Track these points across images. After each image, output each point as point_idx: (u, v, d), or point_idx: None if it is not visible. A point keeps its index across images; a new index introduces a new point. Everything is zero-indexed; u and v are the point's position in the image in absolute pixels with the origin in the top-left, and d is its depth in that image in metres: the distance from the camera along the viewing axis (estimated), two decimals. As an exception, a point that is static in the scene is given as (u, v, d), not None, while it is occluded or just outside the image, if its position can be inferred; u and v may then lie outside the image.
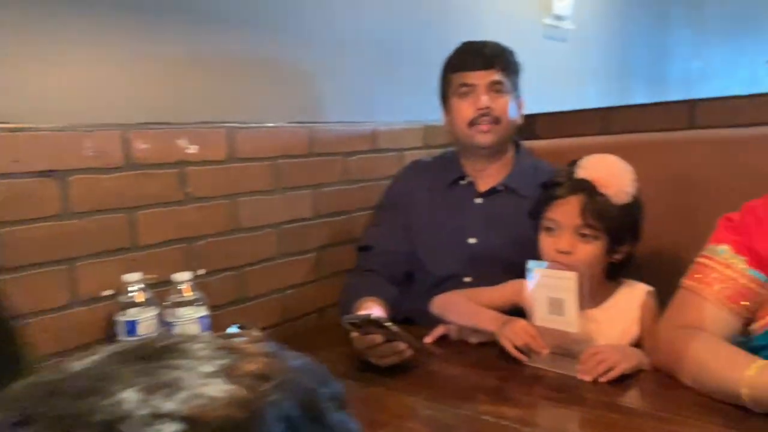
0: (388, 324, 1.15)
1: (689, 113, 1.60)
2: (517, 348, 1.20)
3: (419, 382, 1.17)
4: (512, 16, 2.30)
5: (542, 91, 2.41)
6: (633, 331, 1.23)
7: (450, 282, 1.54)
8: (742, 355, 0.98)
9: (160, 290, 1.21)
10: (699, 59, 3.82)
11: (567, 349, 1.19)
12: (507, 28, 2.11)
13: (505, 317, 1.26)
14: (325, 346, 1.36)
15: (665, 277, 1.22)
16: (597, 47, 2.87)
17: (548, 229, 1.24)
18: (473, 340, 1.36)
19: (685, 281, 1.14)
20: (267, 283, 1.51)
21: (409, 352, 1.20)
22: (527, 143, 1.77)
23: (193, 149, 1.34)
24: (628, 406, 1.03)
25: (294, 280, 1.57)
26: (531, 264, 1.23)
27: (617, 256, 1.23)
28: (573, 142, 1.77)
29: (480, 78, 1.51)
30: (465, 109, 1.52)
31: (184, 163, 1.33)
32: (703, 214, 1.19)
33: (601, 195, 1.18)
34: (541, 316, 1.21)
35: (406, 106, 1.85)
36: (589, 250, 1.19)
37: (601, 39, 2.90)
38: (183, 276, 1.18)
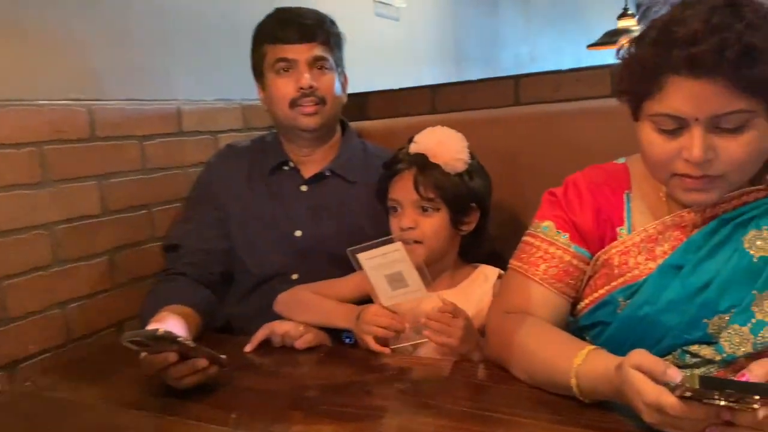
0: (181, 338, 0.97)
1: (514, 89, 1.58)
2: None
3: (228, 404, 1.00)
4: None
5: (375, 69, 2.32)
6: (486, 312, 1.18)
7: (275, 281, 1.38)
8: (570, 342, 0.92)
9: None
10: (528, 45, 3.99)
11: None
12: (334, 2, 1.97)
13: (358, 309, 1.18)
14: (119, 368, 1.14)
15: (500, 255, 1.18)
16: (431, 28, 2.84)
17: (393, 209, 1.22)
18: (300, 344, 1.19)
19: (512, 262, 1.08)
20: (39, 297, 1.23)
21: (213, 369, 1.02)
22: (358, 124, 1.66)
23: None
24: (450, 408, 0.92)
25: (79, 291, 1.30)
26: (350, 251, 1.12)
27: (464, 228, 1.22)
28: (404, 122, 1.69)
29: (300, 52, 1.34)
30: (284, 87, 1.35)
31: None
32: (532, 190, 1.14)
33: (434, 166, 1.17)
34: (387, 296, 1.13)
35: (221, 83, 1.63)
36: (433, 223, 1.18)
37: (434, 21, 2.88)
38: None
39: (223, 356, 1.03)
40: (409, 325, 1.14)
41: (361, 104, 1.78)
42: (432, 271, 1.20)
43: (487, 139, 1.43)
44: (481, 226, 1.24)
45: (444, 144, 1.19)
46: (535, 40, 4.16)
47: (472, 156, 1.22)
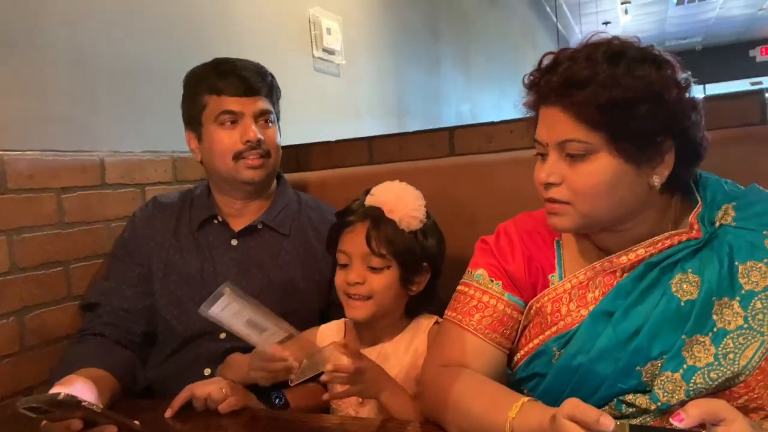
0: (86, 403, 0.89)
1: (449, 140, 1.59)
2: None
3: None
4: (278, 45, 2.17)
5: (316, 124, 2.31)
6: (421, 362, 1.13)
7: (202, 340, 1.31)
8: (504, 394, 0.89)
9: None
10: (469, 102, 4.10)
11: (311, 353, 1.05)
12: (273, 57, 1.97)
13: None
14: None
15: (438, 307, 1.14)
16: (372, 85, 2.88)
17: (342, 265, 1.17)
18: (224, 408, 1.11)
19: (447, 312, 1.05)
20: (-68, 364, 1.12)
21: (123, 437, 0.93)
22: (296, 175, 1.64)
23: None
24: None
25: (-21, 355, 1.19)
26: (201, 311, 0.99)
27: (414, 288, 1.16)
28: (341, 173, 1.68)
29: (246, 105, 1.31)
30: (228, 139, 1.31)
31: None
32: (467, 238, 1.12)
33: (389, 221, 1.13)
34: (259, 341, 1.03)
35: (149, 133, 1.58)
36: (382, 280, 1.13)
37: (376, 77, 2.92)
38: None
39: (136, 422, 0.96)
40: (304, 359, 1.04)
41: (299, 156, 1.77)
42: (374, 328, 1.18)
43: (422, 188, 1.43)
44: (431, 286, 1.19)
45: (401, 199, 1.15)
46: (476, 98, 4.29)
47: (429, 215, 1.18)
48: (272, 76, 1.40)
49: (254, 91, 1.32)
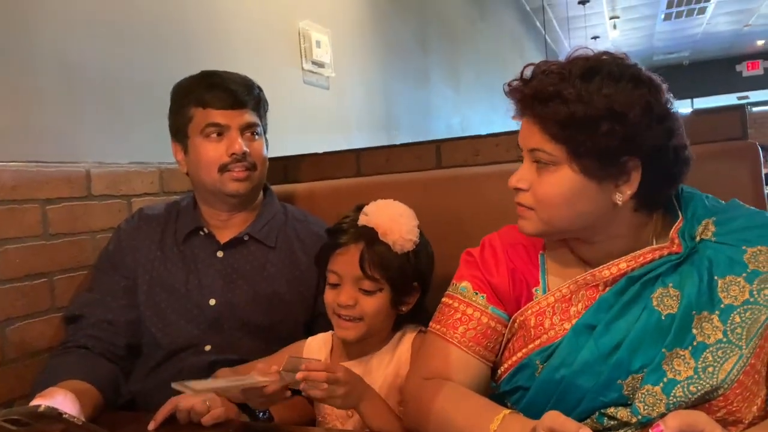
0: (67, 415, 0.88)
1: (436, 153, 1.60)
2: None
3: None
4: (268, 58, 2.18)
5: (305, 136, 2.32)
6: (405, 372, 1.13)
7: (187, 353, 1.31)
8: (486, 407, 0.89)
9: None
10: (459, 116, 4.12)
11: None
12: (263, 69, 1.98)
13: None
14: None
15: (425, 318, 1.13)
16: (361, 98, 2.89)
17: (333, 284, 1.15)
18: (207, 420, 1.10)
19: (431, 324, 1.05)
20: None
21: (103, 451, 0.92)
22: (284, 187, 1.64)
23: None
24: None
25: (-41, 368, 1.18)
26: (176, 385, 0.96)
27: (404, 308, 1.16)
28: (328, 185, 1.68)
29: (232, 118, 1.31)
30: (214, 152, 1.31)
31: None
32: (454, 250, 1.12)
33: (382, 244, 1.11)
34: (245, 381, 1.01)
35: (136, 145, 1.58)
36: (373, 303, 1.12)
37: (365, 90, 2.94)
38: None
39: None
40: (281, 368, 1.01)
41: (287, 167, 1.77)
42: (361, 343, 1.17)
43: (409, 201, 1.44)
44: (419, 303, 1.19)
45: (396, 221, 1.13)
46: (466, 112, 4.32)
47: (421, 233, 1.17)
48: (260, 89, 1.40)
49: (241, 104, 1.33)
